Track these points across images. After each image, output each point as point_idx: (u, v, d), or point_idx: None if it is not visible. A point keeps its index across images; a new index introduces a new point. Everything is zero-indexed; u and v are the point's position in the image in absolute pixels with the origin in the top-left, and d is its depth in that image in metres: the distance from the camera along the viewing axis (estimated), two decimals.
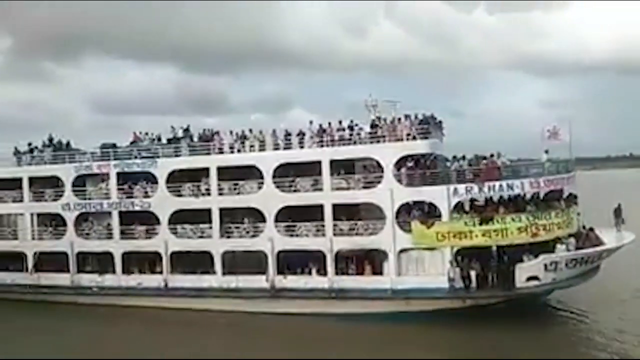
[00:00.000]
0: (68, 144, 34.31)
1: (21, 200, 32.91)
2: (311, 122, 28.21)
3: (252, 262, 28.48)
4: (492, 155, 25.90)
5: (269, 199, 27.82)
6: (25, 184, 32.69)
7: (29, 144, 34.30)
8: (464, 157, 26.23)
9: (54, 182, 32.61)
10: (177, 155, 30.26)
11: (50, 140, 34.36)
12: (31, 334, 27.18)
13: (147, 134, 32.63)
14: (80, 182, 31.99)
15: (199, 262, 29.47)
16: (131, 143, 32.31)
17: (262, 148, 28.59)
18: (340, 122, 27.70)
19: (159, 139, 31.87)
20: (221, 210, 28.96)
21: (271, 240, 27.80)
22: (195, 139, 30.87)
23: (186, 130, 31.60)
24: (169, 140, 31.51)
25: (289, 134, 27.98)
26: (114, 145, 32.00)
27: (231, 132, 29.41)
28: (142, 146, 31.04)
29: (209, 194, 29.16)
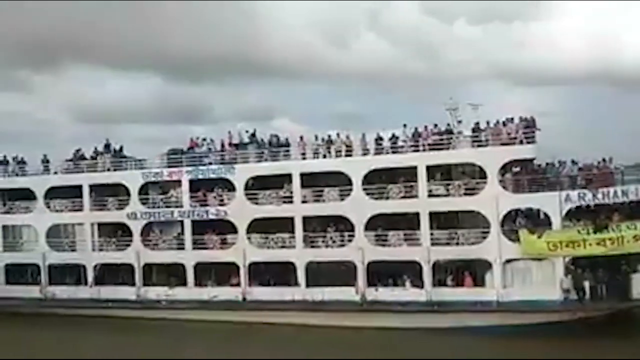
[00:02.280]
0: (121, 149, 32.79)
1: (80, 209, 31.24)
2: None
3: (339, 274, 26.93)
4: (604, 160, 24.71)
5: (359, 206, 26.38)
6: (86, 191, 31.00)
7: (77, 150, 32.67)
8: (573, 162, 25.02)
9: (115, 190, 31.01)
10: (245, 161, 28.87)
11: (107, 146, 32.83)
12: (95, 350, 25.58)
13: (204, 139, 31.23)
14: (145, 190, 30.43)
15: (280, 273, 27.95)
16: (188, 149, 30.88)
17: (348, 153, 27.23)
18: (435, 126, 26.43)
19: (223, 146, 30.44)
20: (304, 218, 27.49)
21: (361, 250, 26.31)
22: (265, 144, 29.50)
23: (253, 135, 30.24)
24: (236, 146, 30.14)
25: (381, 138, 26.63)
26: (182, 152, 30.51)
27: (316, 137, 27.97)
28: (216, 152, 29.50)
29: (291, 202, 27.70)
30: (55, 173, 32.16)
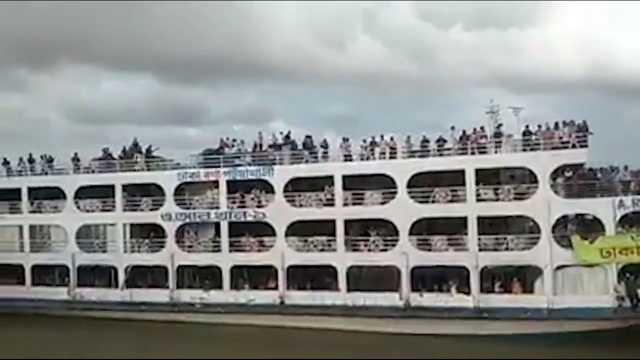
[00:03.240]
0: (149, 150, 32.22)
1: (112, 209, 30.61)
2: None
3: (381, 278, 26.40)
4: None
5: (403, 210, 25.87)
6: (118, 191, 30.37)
7: (104, 150, 32.19)
8: (626, 168, 24.62)
9: (148, 190, 30.39)
10: (280, 163, 28.35)
11: (136, 145, 32.27)
12: (126, 353, 24.83)
13: (234, 140, 30.72)
14: (179, 191, 29.83)
15: (318, 277, 27.38)
16: (218, 150, 30.34)
17: (392, 155, 26.76)
18: (482, 129, 26.02)
19: (259, 147, 29.89)
20: (346, 221, 26.95)
21: (405, 254, 25.78)
22: (300, 146, 29.06)
23: (287, 137, 29.74)
24: (269, 147, 29.63)
25: (427, 141, 26.19)
26: (217, 152, 29.95)
27: (364, 141, 27.48)
28: (254, 153, 28.95)
29: (332, 204, 27.16)
30: (89, 171, 31.44)
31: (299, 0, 66.37)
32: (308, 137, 29.45)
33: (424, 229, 26.02)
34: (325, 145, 28.56)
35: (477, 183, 25.23)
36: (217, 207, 28.78)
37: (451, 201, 25.52)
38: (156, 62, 66.68)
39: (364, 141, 27.32)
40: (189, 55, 62.34)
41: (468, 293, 25.03)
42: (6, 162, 33.49)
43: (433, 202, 25.76)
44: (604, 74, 60.31)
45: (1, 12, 54.49)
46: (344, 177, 26.99)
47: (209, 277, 28.94)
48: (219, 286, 28.47)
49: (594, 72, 60.99)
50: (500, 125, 26.64)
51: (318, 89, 76.62)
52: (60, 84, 75.10)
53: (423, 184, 26.03)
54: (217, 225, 29.27)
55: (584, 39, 61.99)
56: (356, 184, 27.21)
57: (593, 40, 62.41)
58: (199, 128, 76.02)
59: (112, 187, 30.54)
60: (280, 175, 27.81)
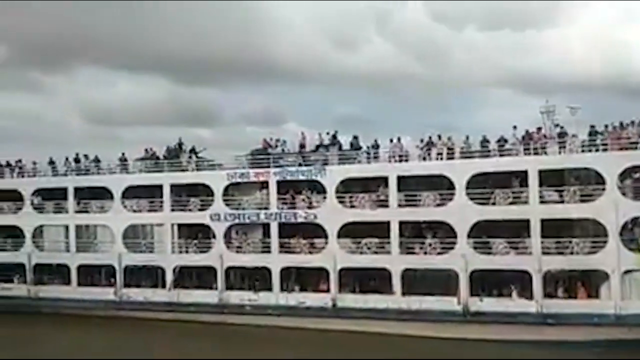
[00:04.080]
0: (193, 150, 31.88)
1: (160, 210, 30.30)
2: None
3: (437, 282, 25.68)
4: None
5: (462, 212, 25.14)
6: (166, 191, 30.06)
7: (147, 150, 32.03)
8: None
9: (195, 190, 30.03)
10: (325, 163, 27.78)
11: (180, 145, 31.99)
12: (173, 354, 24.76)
13: (277, 140, 30.29)
14: (227, 191, 29.42)
15: (370, 280, 26.76)
16: (260, 149, 29.86)
17: (450, 156, 26.10)
18: (539, 130, 25.26)
19: (302, 147, 29.40)
20: (400, 223, 26.32)
21: (464, 258, 25.06)
22: (346, 146, 28.50)
23: (334, 137, 29.19)
24: (317, 147, 29.13)
25: (487, 141, 25.49)
26: (265, 152, 29.52)
27: (421, 141, 26.83)
28: (305, 152, 28.48)
29: (386, 206, 26.55)
30: (135, 171, 31.28)
31: (311, 1, 66.00)
32: (355, 137, 28.91)
33: (481, 231, 25.27)
34: (376, 146, 28.03)
35: (539, 185, 24.47)
36: (267, 208, 28.33)
37: (512, 203, 24.77)
38: (168, 63, 67.11)
39: (421, 141, 26.65)
40: (201, 56, 62.66)
41: (530, 298, 24.20)
42: (52, 162, 33.51)
43: (493, 204, 25.03)
44: (620, 75, 59.06)
45: (15, 14, 54.96)
46: (401, 178, 26.37)
47: (257, 278, 28.49)
48: (268, 288, 28.00)
49: (610, 72, 59.80)
50: (557, 125, 25.93)
51: (330, 91, 76.54)
52: (74, 86, 75.81)
53: (481, 185, 25.34)
54: (265, 226, 28.85)
55: (600, 40, 60.92)
56: (408, 185, 26.58)
57: (609, 40, 61.34)
58: (212, 129, 76.10)
59: (159, 187, 30.28)
60: (332, 176, 27.22)
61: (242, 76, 72.04)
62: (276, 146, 30.03)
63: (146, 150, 32.53)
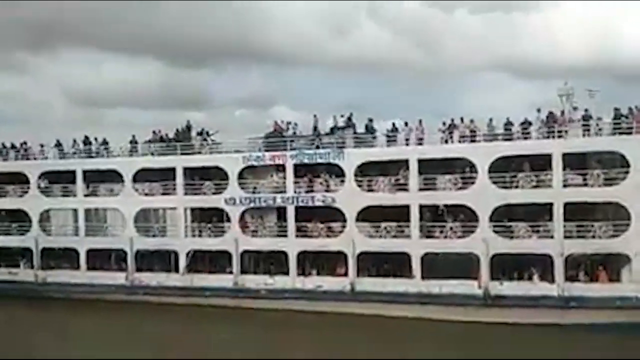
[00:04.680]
0: (201, 132, 31.40)
1: (173, 193, 29.81)
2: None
3: (457, 266, 25.53)
4: None
5: (484, 196, 24.96)
6: (179, 174, 29.58)
7: (154, 132, 31.45)
8: None
9: (208, 174, 29.58)
10: (340, 147, 27.46)
11: (189, 128, 31.50)
12: (190, 340, 24.34)
13: (289, 123, 29.95)
14: (241, 175, 29.01)
15: (389, 263, 26.57)
16: (272, 133, 29.56)
17: (472, 139, 25.91)
18: (562, 113, 25.14)
19: (315, 129, 29.05)
20: (420, 207, 26.14)
21: (485, 241, 24.95)
22: (360, 129, 28.18)
23: (349, 119, 28.84)
24: (331, 130, 28.81)
25: (510, 123, 25.32)
26: (280, 135, 29.14)
27: (443, 124, 26.55)
28: (321, 135, 28.13)
29: (405, 189, 26.34)
30: (153, 154, 30.68)
31: None
32: (370, 120, 28.56)
33: (502, 215, 25.17)
34: (394, 129, 27.75)
35: (567, 168, 24.37)
36: (283, 191, 28.01)
37: (536, 186, 24.67)
38: (158, 45, 66.20)
39: (444, 124, 26.42)
40: (192, 38, 61.92)
41: (552, 281, 24.18)
42: (58, 144, 32.86)
43: (516, 187, 24.91)
44: (608, 59, 59.20)
45: None
46: (421, 161, 26.14)
47: (272, 262, 28.21)
48: (285, 272, 27.72)
49: (598, 57, 59.94)
50: (576, 108, 25.84)
51: (322, 75, 76.12)
52: (61, 67, 74.57)
53: (503, 169, 25.20)
54: (279, 210, 28.55)
55: (589, 24, 61.04)
56: (427, 169, 26.37)
57: (598, 25, 61.46)
58: (202, 112, 75.33)
59: (171, 170, 29.80)
60: (351, 159, 26.94)
61: (233, 59, 71.77)
62: (287, 129, 29.74)
63: (154, 132, 32.02)
